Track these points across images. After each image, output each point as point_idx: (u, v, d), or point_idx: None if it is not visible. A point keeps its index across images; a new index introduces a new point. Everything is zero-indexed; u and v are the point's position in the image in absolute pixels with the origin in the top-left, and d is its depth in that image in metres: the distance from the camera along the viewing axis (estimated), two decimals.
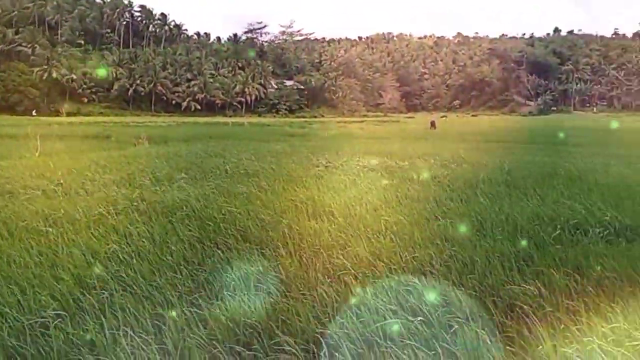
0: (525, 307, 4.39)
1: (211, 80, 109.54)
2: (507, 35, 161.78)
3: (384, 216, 8.00)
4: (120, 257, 6.07)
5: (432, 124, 58.70)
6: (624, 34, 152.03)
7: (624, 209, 8.38)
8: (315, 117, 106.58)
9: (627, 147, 26.32)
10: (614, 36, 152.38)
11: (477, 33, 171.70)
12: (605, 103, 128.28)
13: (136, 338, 4.00)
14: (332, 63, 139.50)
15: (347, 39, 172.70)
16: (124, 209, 8.64)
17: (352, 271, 5.49)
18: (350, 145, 26.45)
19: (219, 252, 6.36)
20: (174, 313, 4.44)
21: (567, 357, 3.68)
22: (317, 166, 15.19)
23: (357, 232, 7.06)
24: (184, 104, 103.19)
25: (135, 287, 5.10)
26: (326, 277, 5.42)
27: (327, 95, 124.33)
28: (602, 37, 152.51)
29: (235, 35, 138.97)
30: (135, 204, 9.07)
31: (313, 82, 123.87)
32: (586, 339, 3.83)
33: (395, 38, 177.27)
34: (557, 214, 8.07)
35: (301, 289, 5.11)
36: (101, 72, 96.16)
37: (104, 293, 4.94)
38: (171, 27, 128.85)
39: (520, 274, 5.23)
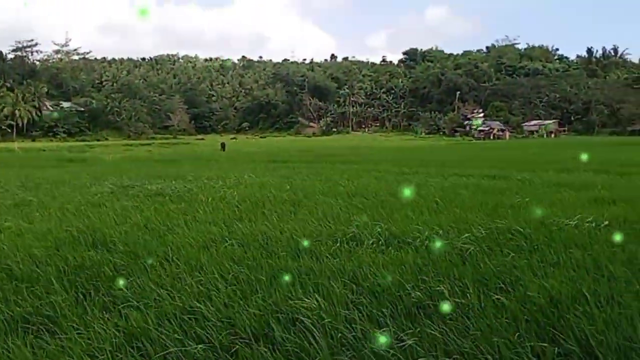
0: (305, 320, 4.57)
1: None
2: (289, 60, 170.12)
3: (170, 242, 7.79)
4: None
5: (222, 145, 59.20)
6: (390, 61, 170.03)
7: (394, 220, 9.23)
8: (99, 140, 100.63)
9: (396, 162, 29.29)
10: (382, 63, 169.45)
11: (261, 57, 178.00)
12: (378, 124, 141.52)
13: None
14: (115, 84, 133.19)
15: (129, 59, 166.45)
16: None
17: (134, 302, 5.23)
18: (137, 170, 25.46)
19: None
20: None
21: None
22: (96, 194, 14.27)
23: (140, 262, 6.75)
24: None
25: None
26: (103, 311, 5.11)
27: (111, 117, 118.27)
28: (373, 63, 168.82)
29: (0, 53, 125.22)
30: None
31: (94, 104, 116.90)
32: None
33: (180, 60, 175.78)
34: (336, 229, 8.60)
35: (76, 325, 4.71)
36: None
37: None
38: None
39: (303, 288, 5.45)
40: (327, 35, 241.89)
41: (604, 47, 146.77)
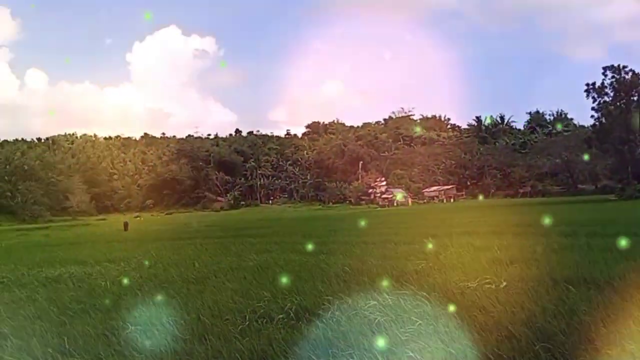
0: None
1: None
2: (193, 136, 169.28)
3: (67, 334, 7.27)
4: None
5: (125, 225, 57.11)
6: (295, 134, 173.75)
7: (305, 292, 9.17)
8: None
9: (305, 233, 29.39)
10: (287, 136, 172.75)
11: (164, 133, 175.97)
12: (286, 195, 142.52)
13: None
14: (8, 166, 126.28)
15: (23, 140, 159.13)
16: None
17: None
18: (32, 256, 23.90)
19: None
20: None
21: None
22: None
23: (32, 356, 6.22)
24: None
25: None
26: None
27: (4, 201, 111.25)
28: (277, 137, 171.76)
29: None
30: None
31: None
32: None
33: (79, 139, 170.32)
34: (245, 305, 8.41)
35: None
36: None
37: None
38: None
39: None
40: (229, 111, 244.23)
41: (491, 116, 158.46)
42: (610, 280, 8.84)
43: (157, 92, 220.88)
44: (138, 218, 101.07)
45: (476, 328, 6.31)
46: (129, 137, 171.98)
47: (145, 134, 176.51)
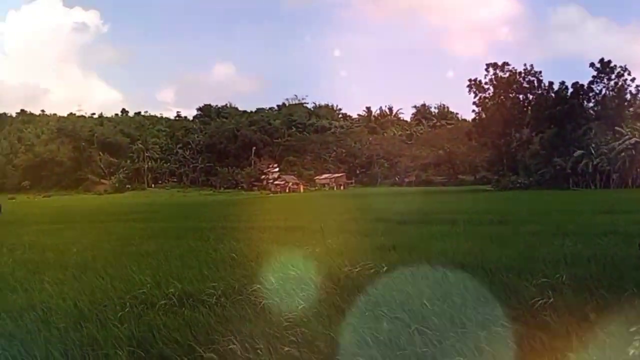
0: None
1: None
2: (75, 114, 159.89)
3: None
4: None
5: None
6: (185, 117, 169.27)
7: (189, 278, 9.00)
8: None
9: (193, 218, 28.86)
10: (177, 118, 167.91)
11: (43, 111, 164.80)
12: (175, 180, 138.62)
13: None
14: None
15: None
16: None
17: None
18: None
19: None
20: None
21: None
22: None
23: None
24: None
25: None
26: None
27: None
28: (167, 119, 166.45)
29: None
30: None
31: None
32: None
33: None
34: (126, 291, 8.13)
35: None
36: None
37: None
38: None
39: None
40: (114, 89, 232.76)
41: (380, 107, 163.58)
42: (483, 265, 9.48)
43: (33, 66, 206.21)
44: (12, 200, 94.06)
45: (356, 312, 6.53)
46: (4, 113, 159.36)
47: (22, 110, 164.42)
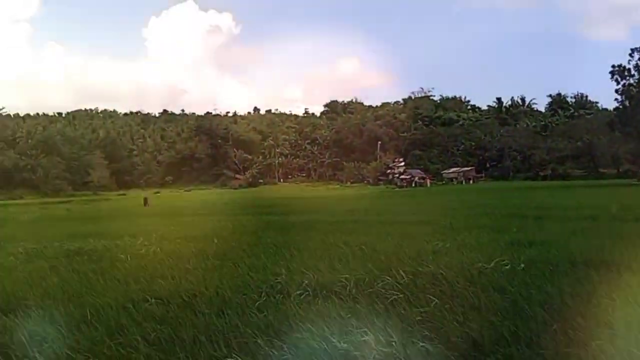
0: None
1: None
2: (212, 113, 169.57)
3: (87, 305, 7.40)
4: None
5: (145, 200, 57.80)
6: (313, 113, 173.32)
7: (320, 270, 9.22)
8: (14, 199, 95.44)
9: (326, 212, 29.48)
10: (305, 115, 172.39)
11: (183, 110, 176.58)
12: (304, 174, 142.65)
13: None
14: (30, 140, 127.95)
15: (44, 114, 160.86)
16: None
17: None
18: (54, 229, 24.30)
19: None
20: None
21: None
22: (9, 256, 13.47)
23: (57, 324, 6.37)
24: None
25: None
26: None
27: (26, 175, 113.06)
28: (295, 115, 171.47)
29: None
30: None
31: (6, 162, 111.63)
32: None
33: (99, 114, 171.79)
34: (263, 280, 8.50)
35: None
36: None
37: None
38: None
39: (227, 346, 5.31)
40: (247, 88, 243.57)
41: (512, 98, 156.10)
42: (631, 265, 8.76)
43: (173, 68, 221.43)
44: (157, 194, 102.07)
45: (492, 308, 6.32)
46: (148, 113, 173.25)
47: (165, 110, 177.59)
